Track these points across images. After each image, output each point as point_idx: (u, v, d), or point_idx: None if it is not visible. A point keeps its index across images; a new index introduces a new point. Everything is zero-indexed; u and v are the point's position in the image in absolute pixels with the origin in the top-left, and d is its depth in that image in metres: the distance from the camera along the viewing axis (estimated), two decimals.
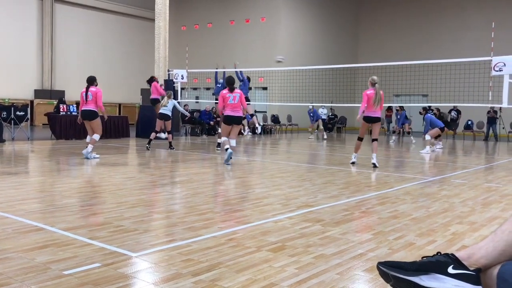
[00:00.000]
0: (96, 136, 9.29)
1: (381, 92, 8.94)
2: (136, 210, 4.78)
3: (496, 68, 10.34)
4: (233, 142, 8.97)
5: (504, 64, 10.19)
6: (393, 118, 23.29)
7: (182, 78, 16.55)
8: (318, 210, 5.05)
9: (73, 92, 23.75)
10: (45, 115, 15.82)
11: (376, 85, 8.95)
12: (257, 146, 15.13)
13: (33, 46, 23.21)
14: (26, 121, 13.93)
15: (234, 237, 3.83)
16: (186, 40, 25.34)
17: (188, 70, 16.77)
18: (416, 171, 9.10)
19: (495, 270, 1.63)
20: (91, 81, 9.40)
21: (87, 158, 9.12)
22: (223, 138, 9.17)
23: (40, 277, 2.79)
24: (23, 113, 13.72)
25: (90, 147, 9.16)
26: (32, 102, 21.42)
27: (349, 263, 3.25)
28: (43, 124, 20.16)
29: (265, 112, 24.02)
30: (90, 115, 9.28)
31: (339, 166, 9.58)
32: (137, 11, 26.97)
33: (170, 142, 12.16)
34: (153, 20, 17.80)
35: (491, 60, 10.47)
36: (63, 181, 6.83)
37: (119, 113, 23.86)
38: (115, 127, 15.56)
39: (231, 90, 9.00)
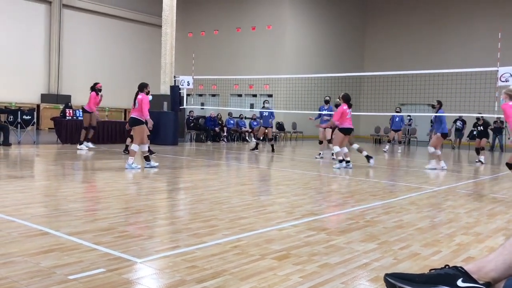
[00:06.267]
0: (134, 147, 8.87)
1: None
2: (141, 215, 4.79)
3: (503, 79, 10.33)
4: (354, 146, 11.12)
5: (511, 75, 10.18)
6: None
7: (188, 85, 16.62)
8: (323, 218, 5.04)
9: (80, 96, 23.86)
10: (51, 119, 15.90)
11: None
12: (261, 153, 15.13)
13: (41, 51, 23.39)
14: (33, 125, 14.01)
15: (239, 244, 3.82)
16: (192, 46, 25.44)
17: (194, 77, 16.84)
18: (421, 181, 9.07)
19: (502, 285, 1.62)
20: (141, 87, 9.19)
21: (129, 168, 8.70)
22: (336, 148, 10.62)
23: (45, 282, 2.80)
24: (30, 117, 13.80)
25: (131, 159, 8.78)
26: (38, 106, 21.55)
27: (354, 272, 3.24)
28: (49, 128, 20.26)
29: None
30: (132, 122, 9.08)
31: (345, 174, 9.56)
32: (145, 17, 27.15)
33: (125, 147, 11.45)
34: (160, 26, 17.91)
35: (498, 70, 10.46)
36: (68, 185, 6.85)
37: (125, 118, 23.94)
38: (121, 133, 15.61)
39: (350, 106, 10.69)
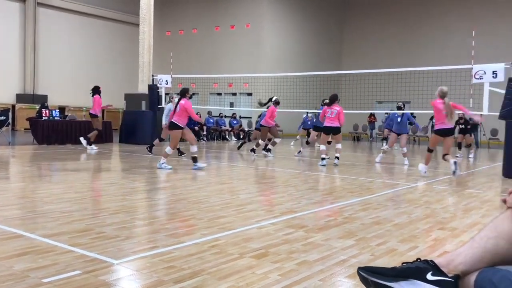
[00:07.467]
0: (168, 150, 9.03)
1: (450, 103, 8.68)
2: (118, 216, 4.73)
3: (477, 76, 10.50)
4: (339, 145, 10.99)
5: (485, 72, 10.35)
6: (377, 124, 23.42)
7: (167, 83, 16.48)
8: (302, 216, 5.06)
9: (56, 96, 23.52)
10: (27, 119, 15.62)
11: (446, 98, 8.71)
12: (241, 152, 15.12)
13: (15, 50, 22.94)
14: (7, 125, 13.73)
15: (217, 243, 3.81)
16: (170, 45, 25.27)
17: (172, 76, 16.72)
18: (398, 177, 9.19)
19: (472, 278, 1.64)
20: (183, 93, 9.18)
21: (159, 167, 8.98)
22: (322, 147, 10.95)
23: (18, 286, 2.74)
24: (4, 117, 13.52)
25: (162, 159, 9.02)
26: (13, 106, 21.13)
27: (332, 269, 3.26)
28: (24, 129, 19.89)
29: (250, 118, 24.05)
30: (171, 127, 9.09)
31: (323, 172, 9.62)
32: (122, 16, 26.85)
33: None
34: (137, 25, 17.73)
35: (472, 68, 10.64)
36: (44, 187, 6.74)
37: (103, 118, 23.63)
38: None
39: (329, 105, 10.81)
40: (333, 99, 10.78)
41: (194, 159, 9.11)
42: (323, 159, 10.65)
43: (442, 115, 8.70)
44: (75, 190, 6.37)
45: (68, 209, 5.07)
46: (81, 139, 13.15)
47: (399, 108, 12.12)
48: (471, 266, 1.67)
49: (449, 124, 8.80)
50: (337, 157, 10.77)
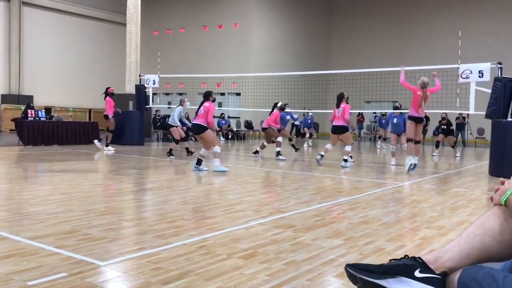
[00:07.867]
0: (217, 148, 9.00)
1: (428, 92, 9.42)
2: (105, 217, 4.69)
3: (464, 76, 10.59)
4: (347, 148, 10.55)
5: (471, 72, 10.45)
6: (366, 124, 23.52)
7: (154, 83, 16.40)
8: (290, 216, 5.05)
9: (42, 97, 23.27)
10: (12, 120, 15.43)
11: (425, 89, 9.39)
12: (230, 152, 15.10)
13: (0, 50, 22.65)
14: None
15: (205, 244, 3.79)
16: (158, 45, 25.15)
17: (160, 75, 16.64)
18: (386, 177, 9.23)
19: (456, 275, 1.65)
20: (206, 96, 9.20)
21: (216, 171, 8.87)
22: (328, 145, 10.71)
23: None
24: None
25: (216, 161, 8.97)
26: None
27: (320, 269, 3.25)
28: (10, 130, 19.65)
29: (239, 118, 24.03)
30: (197, 129, 9.04)
31: (312, 171, 9.63)
32: (109, 15, 26.66)
33: None
34: (124, 24, 17.62)
35: (459, 67, 10.73)
36: (30, 188, 6.66)
37: (89, 118, 23.45)
38: (85, 133, 15.29)
39: (337, 105, 10.55)
40: (340, 98, 10.56)
41: (199, 162, 9.06)
42: (319, 154, 10.59)
43: (417, 103, 9.34)
44: (61, 192, 6.30)
45: (54, 210, 5.01)
46: (96, 142, 13.43)
47: (396, 108, 12.11)
48: (459, 263, 1.67)
49: (421, 114, 9.46)
50: (345, 160, 10.39)
